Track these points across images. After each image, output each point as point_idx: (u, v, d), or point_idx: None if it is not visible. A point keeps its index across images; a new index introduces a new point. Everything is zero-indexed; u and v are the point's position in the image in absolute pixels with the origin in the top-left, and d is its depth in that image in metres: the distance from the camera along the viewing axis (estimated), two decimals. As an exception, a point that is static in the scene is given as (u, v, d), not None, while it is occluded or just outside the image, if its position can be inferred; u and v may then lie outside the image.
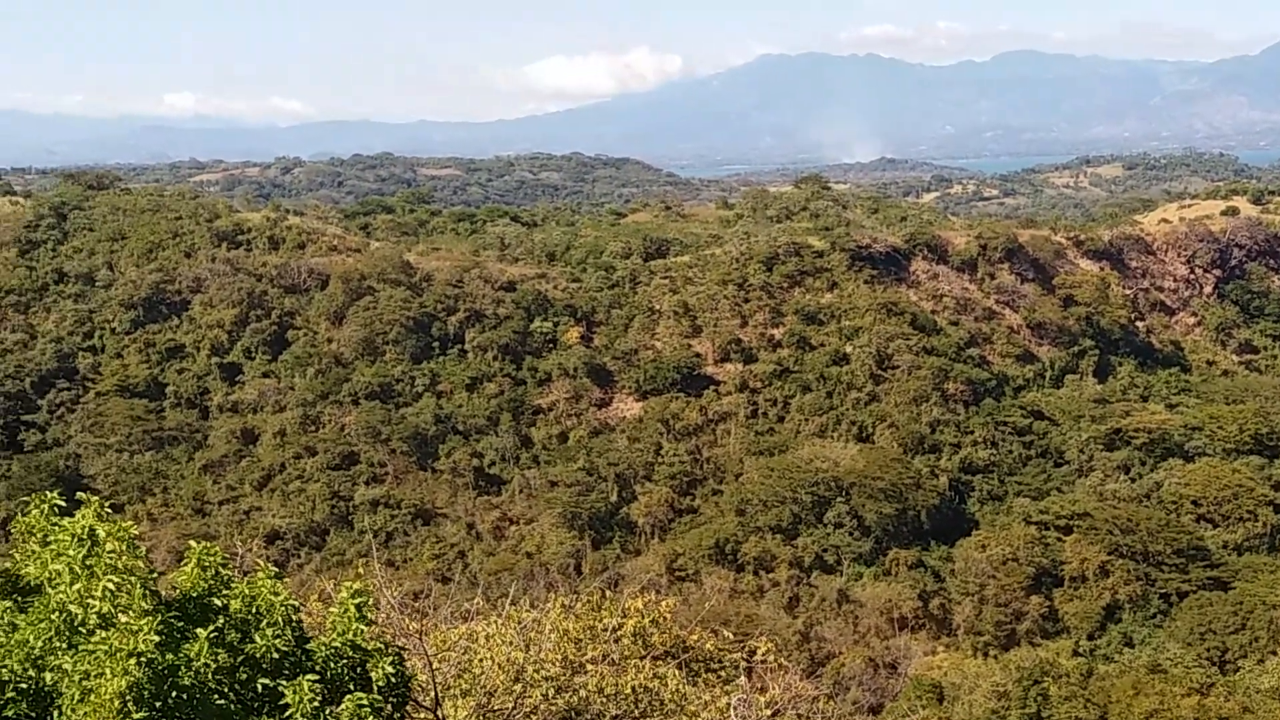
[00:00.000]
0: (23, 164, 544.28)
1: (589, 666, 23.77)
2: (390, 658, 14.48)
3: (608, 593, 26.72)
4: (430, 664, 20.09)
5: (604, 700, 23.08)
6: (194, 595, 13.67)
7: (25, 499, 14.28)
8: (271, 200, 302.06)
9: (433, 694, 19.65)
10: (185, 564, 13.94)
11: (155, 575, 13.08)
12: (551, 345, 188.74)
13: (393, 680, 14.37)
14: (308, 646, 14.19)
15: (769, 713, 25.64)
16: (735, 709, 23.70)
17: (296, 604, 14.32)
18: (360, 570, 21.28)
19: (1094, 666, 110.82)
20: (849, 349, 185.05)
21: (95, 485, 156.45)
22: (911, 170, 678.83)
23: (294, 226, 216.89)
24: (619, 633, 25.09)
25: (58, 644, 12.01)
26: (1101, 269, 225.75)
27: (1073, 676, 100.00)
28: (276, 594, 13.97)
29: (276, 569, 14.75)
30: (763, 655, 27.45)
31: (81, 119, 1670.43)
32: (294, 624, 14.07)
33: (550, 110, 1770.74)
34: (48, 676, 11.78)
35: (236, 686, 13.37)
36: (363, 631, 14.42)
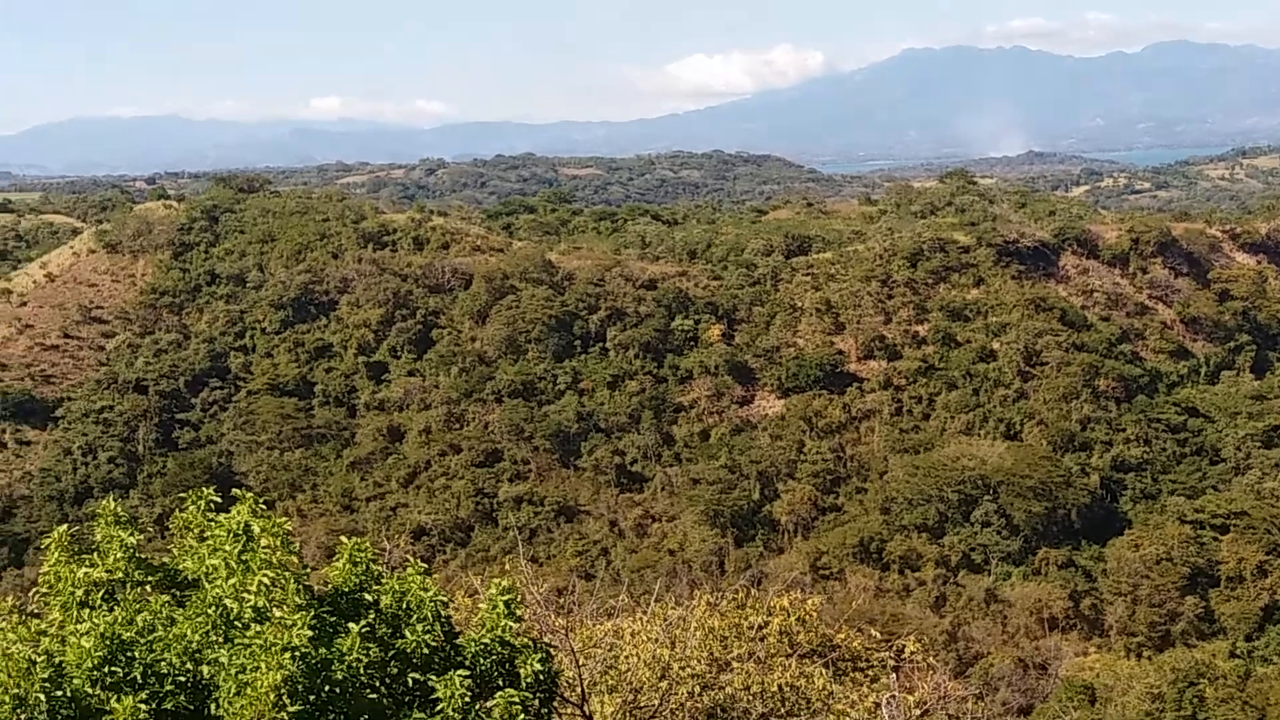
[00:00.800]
0: (177, 168, 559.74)
1: (734, 664, 23.61)
2: (539, 654, 14.45)
3: (752, 590, 26.52)
4: (577, 660, 20.09)
5: (750, 698, 22.91)
6: (345, 590, 13.77)
7: (182, 495, 14.52)
8: (416, 201, 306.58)
9: (579, 690, 19.63)
10: (337, 559, 14.04)
11: (307, 570, 13.19)
12: (693, 343, 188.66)
13: (541, 677, 14.35)
14: (457, 642, 14.22)
15: (918, 712, 25.23)
16: (885, 707, 23.35)
17: (445, 599, 14.35)
18: (508, 566, 21.37)
19: (1252, 668, 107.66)
20: (996, 345, 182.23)
21: (247, 482, 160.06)
22: (1060, 163, 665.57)
23: (438, 227, 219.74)
24: (764, 631, 24.89)
25: (214, 638, 12.17)
26: (1259, 262, 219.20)
27: (1230, 678, 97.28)
28: (426, 590, 14.03)
29: (425, 565, 14.80)
30: (910, 654, 27.05)
31: (233, 124, 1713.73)
32: (443, 620, 14.10)
33: (690, 109, 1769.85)
34: (205, 670, 11.94)
35: (387, 681, 13.44)
36: (511, 628, 14.40)
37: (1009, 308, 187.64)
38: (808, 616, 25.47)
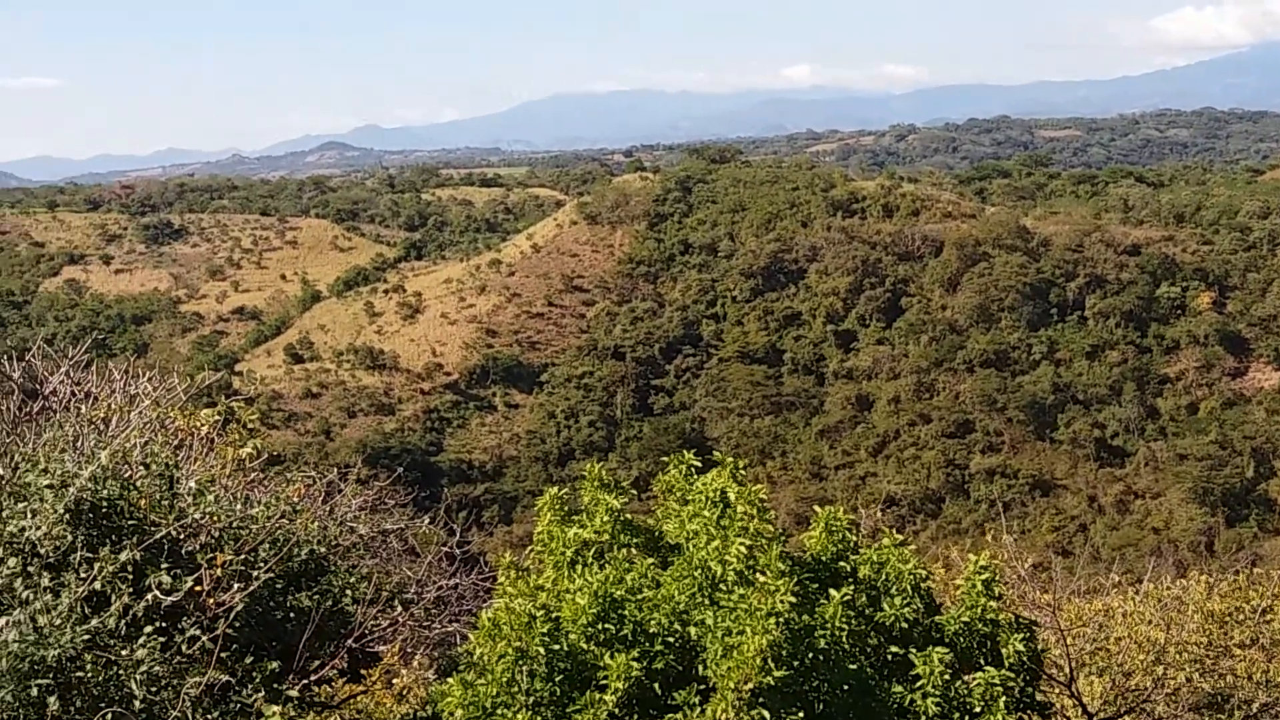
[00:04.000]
0: (651, 140, 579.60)
1: (1235, 650, 22.08)
2: (1022, 634, 13.83)
3: (1254, 572, 24.79)
4: (1064, 639, 19.29)
5: (1253, 687, 21.35)
6: (823, 559, 13.65)
7: (661, 458, 14.78)
8: (885, 168, 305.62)
9: (1067, 669, 18.84)
10: (813, 528, 13.94)
11: (783, 537, 13.12)
12: (1179, 311, 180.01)
13: (1025, 658, 13.74)
14: (936, 618, 13.81)
15: None
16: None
17: (925, 572, 13.95)
18: (990, 539, 20.72)
19: None
20: None
21: (718, 447, 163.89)
22: None
23: (907, 194, 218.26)
24: (1270, 615, 23.18)
25: (700, 600, 12.30)
26: None
27: None
28: (905, 561, 13.68)
29: (901, 536, 14.45)
30: None
31: (704, 95, 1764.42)
32: (923, 593, 13.72)
33: (1179, 64, 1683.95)
34: (692, 631, 12.09)
35: (867, 652, 13.21)
36: (991, 607, 13.85)
37: None
38: (1323, 601, 23.54)
